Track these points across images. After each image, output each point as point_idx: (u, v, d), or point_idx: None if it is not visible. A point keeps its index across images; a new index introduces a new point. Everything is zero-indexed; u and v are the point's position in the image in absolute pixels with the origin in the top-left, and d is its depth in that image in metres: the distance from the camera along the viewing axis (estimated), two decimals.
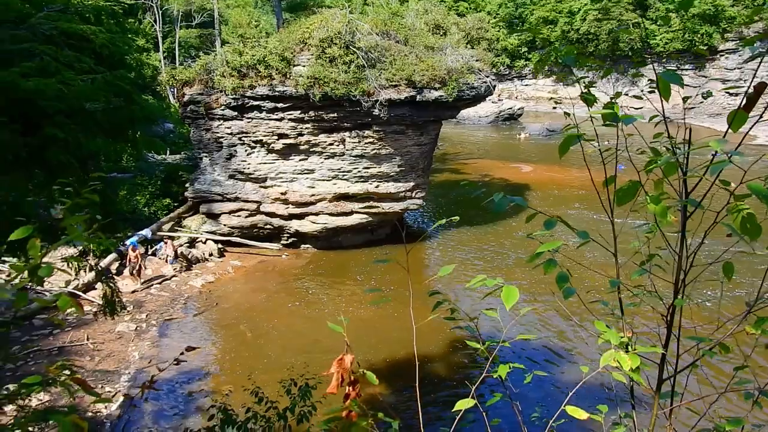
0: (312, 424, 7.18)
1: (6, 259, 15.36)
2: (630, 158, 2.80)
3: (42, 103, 6.16)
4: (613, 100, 2.73)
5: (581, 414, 2.44)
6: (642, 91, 2.91)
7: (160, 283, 19.53)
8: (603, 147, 3.06)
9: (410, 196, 22.61)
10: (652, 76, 2.58)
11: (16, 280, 2.40)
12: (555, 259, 3.01)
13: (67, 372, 2.77)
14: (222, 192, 22.09)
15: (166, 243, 20.46)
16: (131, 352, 15.65)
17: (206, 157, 22.33)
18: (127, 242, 19.10)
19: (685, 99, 3.04)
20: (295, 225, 22.23)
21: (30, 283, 2.47)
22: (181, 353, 2.83)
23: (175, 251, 20.40)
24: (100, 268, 14.96)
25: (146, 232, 20.54)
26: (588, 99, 2.67)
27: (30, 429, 3.87)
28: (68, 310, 14.42)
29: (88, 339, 16.03)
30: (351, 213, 22.06)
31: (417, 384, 2.54)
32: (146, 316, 17.63)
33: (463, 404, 2.45)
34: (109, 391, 13.57)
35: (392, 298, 18.84)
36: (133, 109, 7.82)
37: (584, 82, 2.82)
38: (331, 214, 21.92)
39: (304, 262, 22.11)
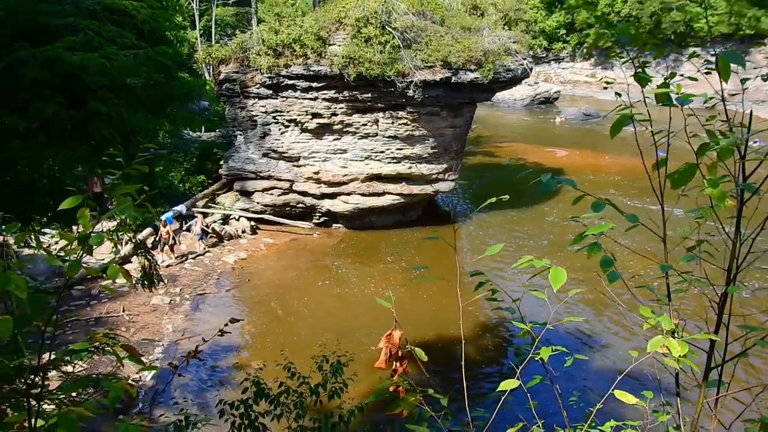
0: (343, 401, 7.26)
1: (46, 231, 15.78)
2: (688, 140, 2.71)
3: (86, 78, 6.25)
4: (667, 80, 2.64)
5: (629, 399, 2.41)
6: (698, 71, 2.81)
7: (194, 258, 19.86)
8: (648, 131, 2.97)
9: (442, 178, 22.50)
10: (703, 59, 2.50)
11: (65, 249, 2.44)
12: (600, 243, 2.95)
13: (112, 340, 2.83)
14: (255, 170, 22.28)
15: (196, 220, 20.74)
16: (165, 324, 16.00)
17: (240, 135, 22.51)
18: (162, 217, 19.42)
19: (743, 81, 2.93)
20: (327, 204, 22.33)
21: (79, 253, 2.52)
22: (226, 324, 2.87)
23: (204, 228, 20.63)
24: (137, 241, 15.25)
25: (181, 208, 20.85)
26: (643, 78, 2.59)
27: (73, 394, 3.98)
28: (104, 282, 14.69)
29: (123, 311, 16.43)
30: (383, 194, 22.06)
31: (463, 362, 2.52)
32: (180, 290, 17.98)
33: (507, 384, 2.43)
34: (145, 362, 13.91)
35: (422, 280, 18.86)
36: (173, 85, 7.89)
37: (638, 62, 2.74)
38: (363, 195, 21.94)
39: (335, 241, 22.23)
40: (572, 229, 23.23)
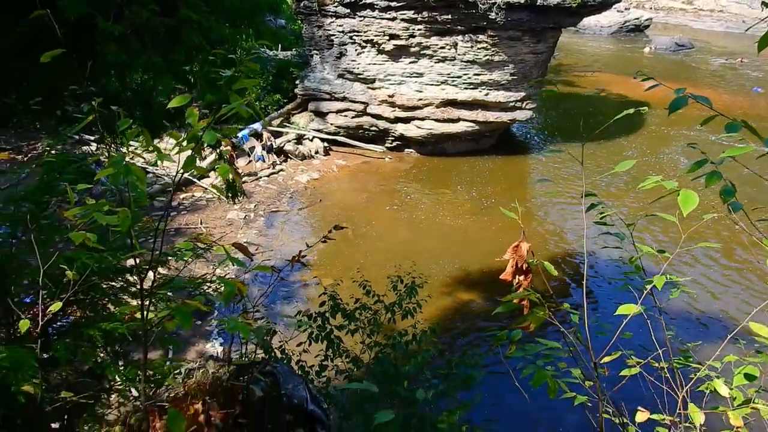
0: (417, 321, 7.40)
1: (133, 143, 16.35)
2: None
3: None
4: None
5: (764, 331, 2.28)
6: None
7: (268, 176, 20.27)
8: (730, 65, 2.66)
9: (520, 107, 21.78)
10: None
11: (179, 144, 2.46)
12: (720, 171, 2.74)
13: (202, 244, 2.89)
14: (330, 91, 22.17)
15: (260, 141, 20.92)
16: (240, 238, 16.57)
17: (317, 54, 22.31)
18: (239, 134, 19.77)
19: None
20: (400, 129, 22.12)
21: (186, 155, 2.53)
22: (330, 231, 2.88)
23: (267, 148, 20.80)
24: (220, 153, 15.63)
25: (257, 126, 21.12)
26: None
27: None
28: (182, 196, 15.23)
29: (201, 223, 17.08)
30: (457, 120, 21.61)
31: (585, 278, 2.44)
32: (254, 206, 18.48)
33: (627, 309, 2.33)
34: (221, 273, 14.56)
35: (492, 210, 18.66)
36: None
37: None
38: (437, 120, 21.57)
39: (407, 166, 22.13)
40: (653, 164, 22.23)
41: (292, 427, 2.77)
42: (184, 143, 2.47)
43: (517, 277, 2.41)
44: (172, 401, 3.16)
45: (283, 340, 6.47)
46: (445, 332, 10.63)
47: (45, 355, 3.43)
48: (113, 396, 4.76)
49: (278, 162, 21.04)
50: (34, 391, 2.82)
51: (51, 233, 4.00)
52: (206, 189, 18.63)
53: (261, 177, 20.10)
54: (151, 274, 3.58)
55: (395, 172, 21.61)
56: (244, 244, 2.49)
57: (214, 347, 12.71)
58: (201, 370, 3.21)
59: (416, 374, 6.89)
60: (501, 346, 3.13)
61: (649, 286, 2.52)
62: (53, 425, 4.51)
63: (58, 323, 4.36)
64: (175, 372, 3.45)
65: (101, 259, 3.68)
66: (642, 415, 2.65)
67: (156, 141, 2.29)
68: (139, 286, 2.68)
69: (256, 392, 2.90)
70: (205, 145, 2.45)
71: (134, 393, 4.76)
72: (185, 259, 3.25)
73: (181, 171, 2.31)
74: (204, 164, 18.86)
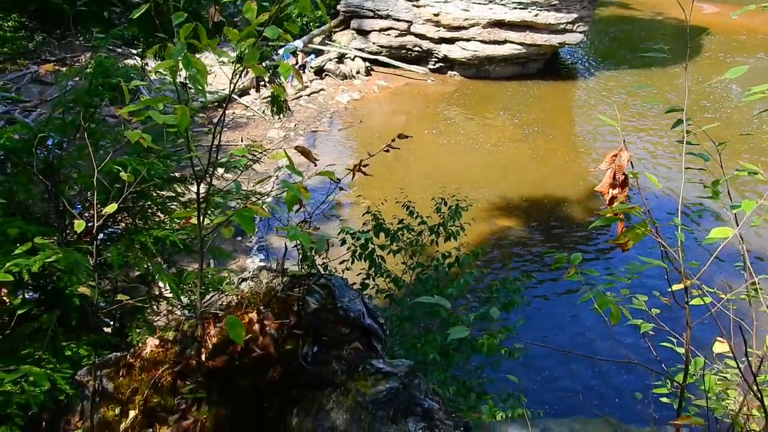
0: (461, 243, 7.30)
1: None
2: None
3: None
4: None
5: None
6: None
7: (308, 96, 19.99)
8: None
9: (570, 29, 20.78)
10: None
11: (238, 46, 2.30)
12: None
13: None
14: (374, 8, 21.42)
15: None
16: (278, 158, 16.54)
17: None
18: (280, 51, 19.36)
19: None
20: (444, 50, 21.40)
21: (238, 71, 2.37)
22: (393, 140, 2.72)
23: (300, 67, 20.34)
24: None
25: (298, 44, 20.67)
26: None
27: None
28: (229, 111, 15.16)
29: (242, 141, 17.06)
30: (504, 42, 20.78)
31: (680, 197, 2.25)
32: (294, 125, 18.34)
33: (722, 232, 2.15)
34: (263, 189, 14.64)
35: (534, 137, 18.17)
36: None
37: None
38: (482, 42, 20.78)
39: (449, 89, 21.55)
40: (707, 94, 21.14)
41: (348, 340, 2.73)
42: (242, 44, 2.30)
43: (610, 190, 2.23)
44: (225, 309, 3.15)
45: (327, 258, 6.46)
46: (484, 258, 10.57)
47: (98, 260, 3.43)
48: (162, 303, 4.83)
49: (308, 83, 20.55)
50: (89, 294, 2.82)
51: (99, 138, 3.94)
52: (247, 107, 18.51)
53: (301, 96, 19.83)
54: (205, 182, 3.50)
55: (437, 95, 21.08)
56: (307, 149, 2.36)
57: (254, 263, 12.95)
58: (254, 280, 3.17)
59: (458, 296, 6.85)
60: (557, 270, 3.00)
61: (735, 211, 2.32)
62: (105, 329, 4.61)
63: (109, 230, 4.37)
64: (227, 281, 3.44)
65: (152, 165, 3.61)
66: (721, 346, 2.53)
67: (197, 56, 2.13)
68: (195, 191, 2.59)
69: (311, 304, 2.84)
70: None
71: (183, 301, 4.82)
72: (240, 165, 3.16)
73: (234, 81, 2.16)
74: (246, 80, 18.67)
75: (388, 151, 2.74)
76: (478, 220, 13.34)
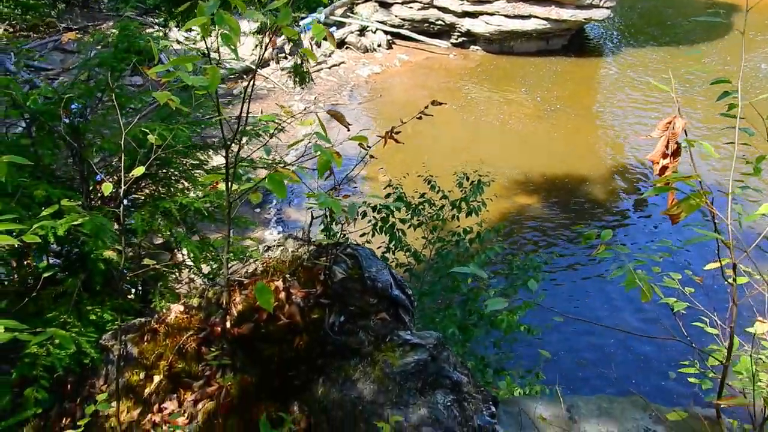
0: (483, 219, 7.23)
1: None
2: None
3: None
4: None
5: None
6: None
7: (329, 68, 19.82)
8: None
9: (597, 5, 20.31)
10: None
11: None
12: None
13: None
14: None
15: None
16: (299, 129, 16.46)
17: None
18: (302, 23, 19.19)
19: None
20: (467, 24, 21.05)
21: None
22: (426, 107, 2.66)
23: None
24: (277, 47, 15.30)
25: (320, 16, 20.44)
26: None
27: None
28: (244, 84, 15.09)
29: (261, 112, 17.00)
30: (528, 17, 20.37)
31: (732, 168, 2.16)
32: (314, 98, 18.22)
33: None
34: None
35: (556, 115, 17.91)
36: None
37: None
38: (507, 16, 20.39)
39: (472, 64, 21.24)
40: (734, 73, 20.61)
41: (375, 311, 2.69)
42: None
43: (662, 159, 2.14)
44: (250, 277, 3.13)
45: (347, 230, 6.44)
46: (503, 235, 10.50)
47: (123, 225, 3.42)
48: (184, 272, 4.84)
49: (329, 56, 20.35)
50: (115, 258, 2.81)
51: (125, 103, 3.90)
52: (267, 77, 18.40)
53: (322, 69, 19.67)
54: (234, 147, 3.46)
55: (459, 70, 20.79)
56: (339, 113, 2.29)
57: (272, 235, 12.98)
58: (280, 248, 3.14)
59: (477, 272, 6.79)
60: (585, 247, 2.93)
61: None
62: (129, 295, 4.64)
63: (132, 196, 4.37)
64: (254, 249, 3.41)
65: (178, 131, 3.58)
66: (762, 326, 2.45)
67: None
68: (220, 158, 2.55)
69: (338, 273, 2.81)
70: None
71: (205, 270, 4.82)
72: (267, 131, 3.11)
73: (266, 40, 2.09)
74: (266, 54, 18.53)
75: (420, 118, 2.68)
76: (498, 197, 13.24)
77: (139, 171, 2.45)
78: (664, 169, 2.14)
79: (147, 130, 2.60)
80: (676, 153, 2.14)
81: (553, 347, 9.05)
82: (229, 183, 2.44)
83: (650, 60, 21.81)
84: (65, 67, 16.71)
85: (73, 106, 4.08)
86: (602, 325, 8.07)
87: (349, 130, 2.39)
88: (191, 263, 4.50)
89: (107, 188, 2.41)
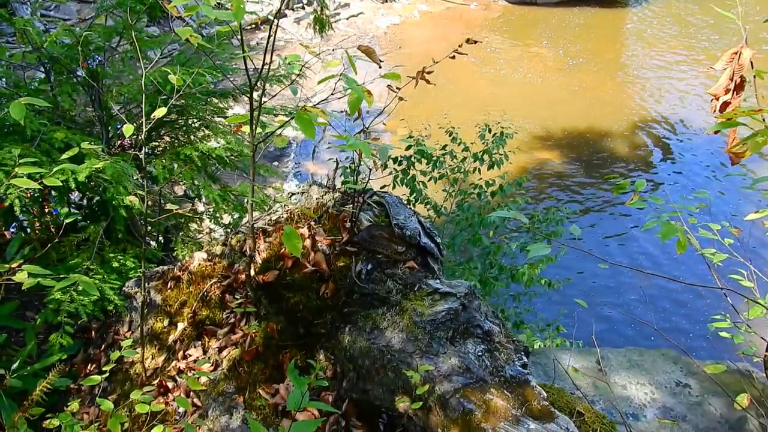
0: (505, 171, 7.09)
1: None
2: None
3: None
4: None
5: None
6: None
7: (347, 19, 19.41)
8: None
9: None
10: None
11: None
12: None
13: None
14: None
15: None
16: (316, 81, 16.25)
17: None
18: None
19: None
20: None
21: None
22: (460, 45, 2.53)
23: None
24: None
25: None
26: None
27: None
28: (261, 35, 14.86)
29: (279, 65, 16.75)
30: None
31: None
32: (332, 50, 17.89)
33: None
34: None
35: (579, 68, 17.46)
36: None
37: None
38: None
39: (493, 15, 20.68)
40: (765, 27, 19.88)
41: (404, 259, 2.62)
42: None
43: (723, 95, 1.99)
44: (274, 224, 3.07)
45: (367, 181, 6.35)
46: (525, 189, 10.35)
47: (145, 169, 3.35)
48: (206, 220, 4.80)
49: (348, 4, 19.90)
50: (138, 205, 2.75)
51: (144, 45, 3.79)
52: (284, 29, 18.08)
53: (340, 20, 19.26)
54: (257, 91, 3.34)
55: (480, 21, 20.26)
56: (371, 48, 2.18)
57: (291, 188, 12.93)
58: (304, 195, 3.07)
59: (500, 225, 6.72)
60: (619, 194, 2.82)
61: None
62: (151, 243, 4.61)
63: (153, 143, 4.29)
64: (277, 195, 3.34)
65: (198, 76, 3.47)
66: None
67: None
68: (247, 99, 2.45)
69: (364, 221, 2.73)
70: None
71: (225, 220, 4.77)
72: (293, 71, 3.00)
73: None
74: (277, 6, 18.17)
75: (453, 57, 2.55)
76: (518, 151, 13.04)
77: (160, 112, 2.36)
78: (725, 105, 2.00)
79: (168, 71, 2.50)
80: (739, 87, 1.99)
81: (572, 306, 9.03)
82: (254, 125, 2.34)
83: (679, 11, 21.09)
84: (81, 17, 16.49)
85: (90, 61, 3.97)
86: (641, 270, 7.95)
87: (380, 67, 2.27)
88: (212, 214, 4.45)
89: (128, 129, 2.34)
